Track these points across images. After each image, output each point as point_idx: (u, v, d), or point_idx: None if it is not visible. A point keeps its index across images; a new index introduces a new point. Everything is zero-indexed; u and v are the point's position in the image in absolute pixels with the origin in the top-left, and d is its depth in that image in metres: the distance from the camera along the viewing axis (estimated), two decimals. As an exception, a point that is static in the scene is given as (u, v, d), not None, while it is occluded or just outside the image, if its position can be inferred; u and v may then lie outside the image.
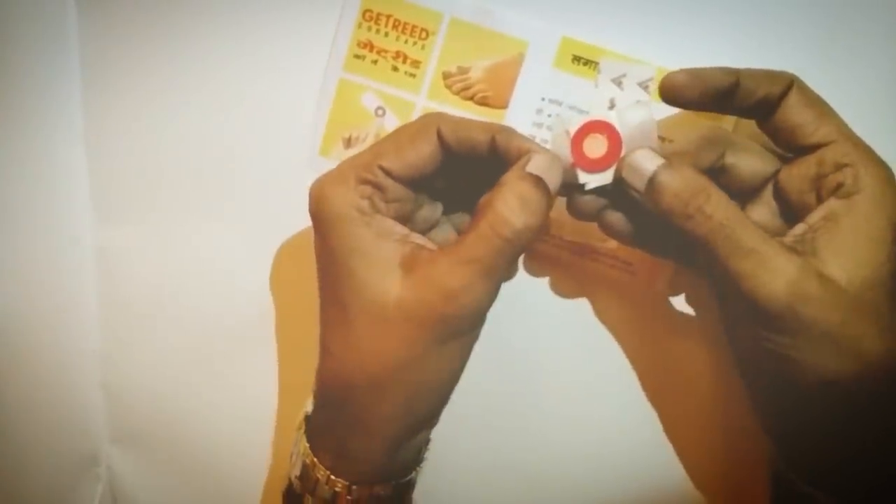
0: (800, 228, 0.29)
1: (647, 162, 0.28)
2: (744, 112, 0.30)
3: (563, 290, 0.36)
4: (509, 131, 0.29)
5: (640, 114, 0.29)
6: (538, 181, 0.27)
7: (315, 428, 0.30)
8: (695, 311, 0.36)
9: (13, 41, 0.35)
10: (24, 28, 0.35)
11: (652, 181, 0.28)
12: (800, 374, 0.27)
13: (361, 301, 0.27)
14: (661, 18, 0.34)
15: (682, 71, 0.29)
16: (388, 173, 0.28)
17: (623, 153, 0.29)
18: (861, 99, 0.29)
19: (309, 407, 0.31)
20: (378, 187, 0.28)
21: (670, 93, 0.29)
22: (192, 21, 0.35)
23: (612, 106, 0.34)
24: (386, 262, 0.27)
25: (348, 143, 0.36)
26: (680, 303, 0.36)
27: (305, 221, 0.36)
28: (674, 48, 0.32)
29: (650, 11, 0.33)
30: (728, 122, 0.34)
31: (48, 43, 0.36)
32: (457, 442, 0.35)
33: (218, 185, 0.38)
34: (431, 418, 0.30)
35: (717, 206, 0.27)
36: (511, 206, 0.27)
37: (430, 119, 0.29)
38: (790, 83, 0.29)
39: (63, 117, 0.37)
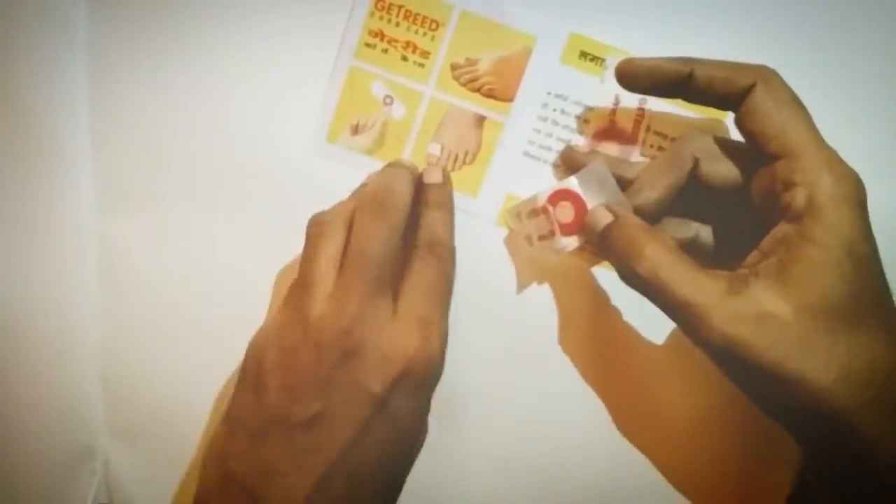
0: (754, 257, 0.28)
1: (597, 219, 0.30)
2: (709, 104, 0.30)
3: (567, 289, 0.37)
4: None
5: (596, 171, 0.31)
6: None
7: None
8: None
9: (21, 29, 0.35)
10: (32, 17, 0.35)
11: (600, 239, 0.30)
12: (761, 405, 0.28)
13: None
14: (668, 17, 0.34)
15: (635, 59, 0.30)
16: None
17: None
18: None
19: None
20: None
21: (624, 79, 0.31)
22: (201, 8, 0.36)
23: (616, 103, 0.35)
24: None
25: (356, 129, 0.36)
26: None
27: (311, 211, 0.36)
28: (680, 47, 0.32)
29: (658, 10, 0.34)
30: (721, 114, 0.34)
31: (56, 31, 0.36)
32: (459, 439, 0.35)
33: (224, 174, 0.37)
34: None
35: (645, 266, 0.28)
36: None
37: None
38: (754, 81, 0.28)
39: (69, 106, 0.37)
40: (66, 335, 0.39)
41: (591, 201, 0.31)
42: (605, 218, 0.30)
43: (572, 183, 0.32)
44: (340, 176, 0.36)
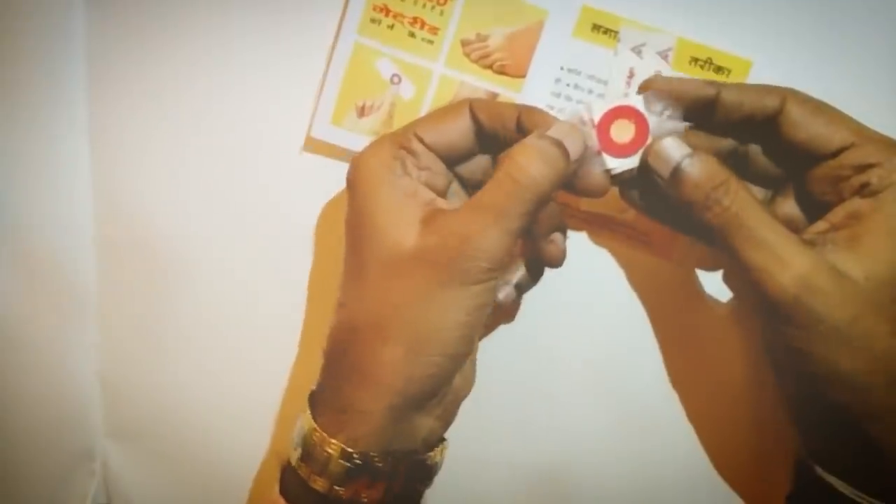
0: (821, 226, 0.29)
1: (673, 151, 0.28)
2: (733, 129, 0.30)
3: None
4: (536, 109, 0.30)
5: (666, 89, 0.29)
6: (557, 141, 0.28)
7: (318, 391, 0.31)
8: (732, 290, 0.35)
9: (19, 32, 0.35)
10: (31, 19, 0.35)
11: (676, 170, 0.28)
12: (812, 366, 0.28)
13: (378, 251, 0.29)
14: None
15: (659, 77, 0.30)
16: (421, 140, 0.30)
17: (650, 139, 0.29)
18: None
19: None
20: (411, 152, 0.30)
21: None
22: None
23: (631, 75, 0.34)
24: (408, 218, 0.29)
25: (362, 111, 0.35)
26: (709, 283, 0.36)
27: (315, 204, 0.35)
28: (693, 18, 0.32)
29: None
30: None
31: (54, 34, 0.35)
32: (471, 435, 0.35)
33: (223, 169, 0.37)
34: (435, 386, 0.29)
35: (734, 199, 0.27)
36: (528, 155, 0.28)
37: (462, 100, 0.31)
38: (784, 97, 0.29)
39: (67, 109, 0.36)
40: (65, 337, 0.39)
41: (655, 124, 0.29)
42: (681, 149, 0.28)
43: (637, 101, 0.29)
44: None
